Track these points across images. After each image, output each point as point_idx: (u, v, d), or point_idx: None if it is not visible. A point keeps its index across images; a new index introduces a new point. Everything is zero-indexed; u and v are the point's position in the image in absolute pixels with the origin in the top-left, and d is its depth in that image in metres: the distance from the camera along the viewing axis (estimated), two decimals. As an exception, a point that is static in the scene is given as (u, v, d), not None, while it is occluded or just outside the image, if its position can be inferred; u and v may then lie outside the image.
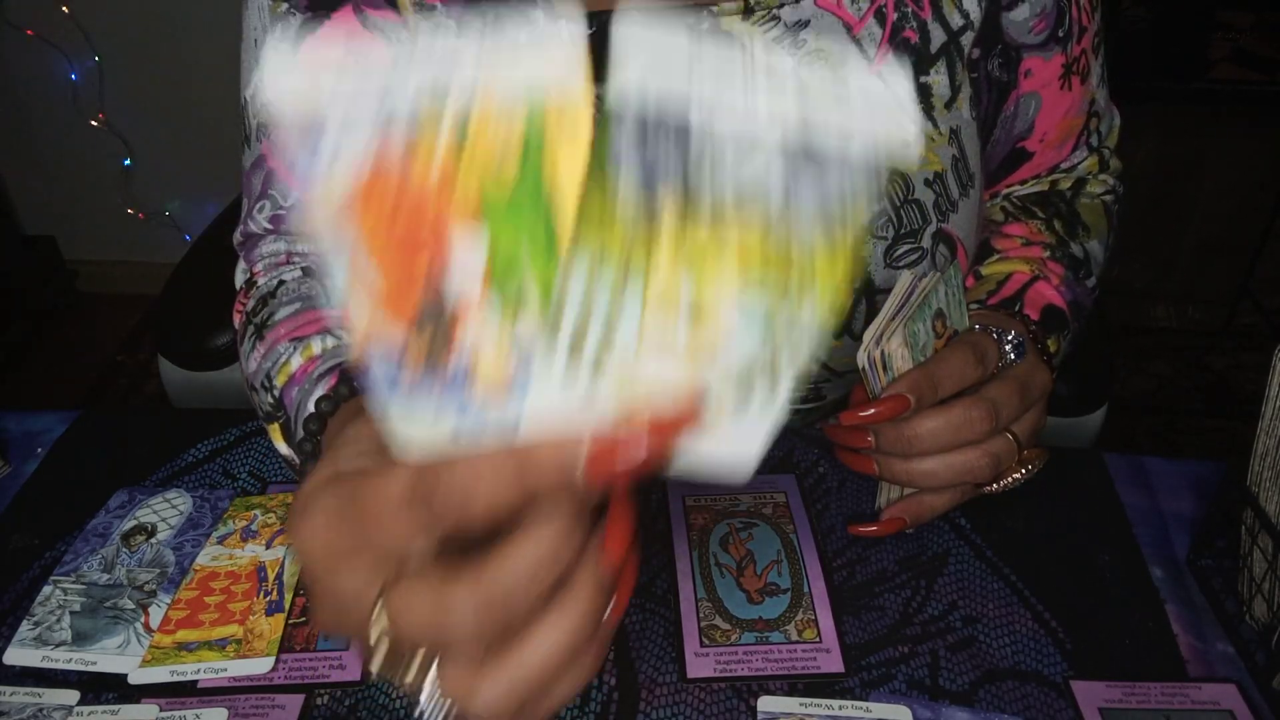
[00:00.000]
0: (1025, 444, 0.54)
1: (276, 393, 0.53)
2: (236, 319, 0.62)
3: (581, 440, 0.25)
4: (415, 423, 0.26)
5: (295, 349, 0.54)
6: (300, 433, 0.47)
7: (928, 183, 0.61)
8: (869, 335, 0.50)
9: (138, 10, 1.95)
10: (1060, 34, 0.64)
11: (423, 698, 0.29)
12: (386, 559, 0.28)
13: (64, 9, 1.94)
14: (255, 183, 0.62)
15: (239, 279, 0.64)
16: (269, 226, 0.62)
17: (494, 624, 0.27)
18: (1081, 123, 0.71)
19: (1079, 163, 0.74)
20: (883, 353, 0.50)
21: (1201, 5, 1.89)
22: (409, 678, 0.29)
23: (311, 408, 0.47)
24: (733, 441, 0.27)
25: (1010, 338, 0.56)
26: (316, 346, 0.53)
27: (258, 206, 0.63)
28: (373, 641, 0.29)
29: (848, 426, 0.52)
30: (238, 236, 0.65)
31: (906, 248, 0.61)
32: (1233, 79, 1.84)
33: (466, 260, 0.24)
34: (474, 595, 0.27)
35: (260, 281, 0.61)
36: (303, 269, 0.61)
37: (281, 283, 0.60)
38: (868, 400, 0.51)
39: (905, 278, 0.53)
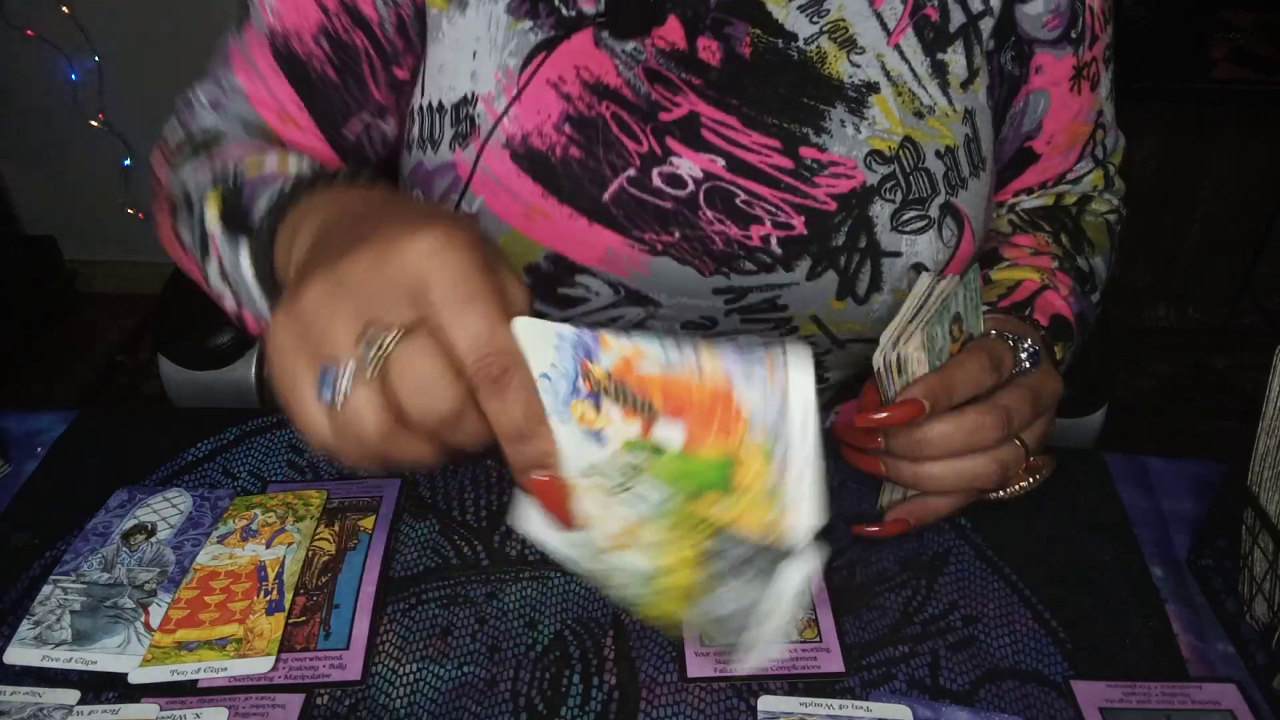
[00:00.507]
0: (1033, 451, 0.54)
1: (240, 180, 0.51)
2: (157, 160, 0.62)
3: (562, 489, 0.38)
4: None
5: (268, 152, 0.53)
6: (266, 202, 0.46)
7: (939, 154, 0.61)
8: (886, 337, 0.50)
9: (138, 10, 1.95)
10: (1073, 35, 0.65)
11: (334, 375, 0.35)
12: (408, 321, 0.34)
13: (64, 9, 1.94)
14: (215, 65, 0.65)
15: (168, 131, 0.64)
16: (206, 102, 0.64)
17: (452, 412, 0.34)
18: (1088, 131, 0.71)
19: (1084, 174, 0.74)
20: (899, 355, 0.50)
21: (1201, 5, 1.89)
22: (336, 375, 0.34)
23: (307, 170, 0.48)
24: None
25: (1026, 345, 0.55)
26: (293, 164, 0.51)
27: (205, 86, 0.65)
28: (345, 357, 0.34)
29: (860, 428, 0.52)
30: (178, 102, 0.66)
31: (914, 214, 0.61)
32: (1233, 79, 1.84)
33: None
34: (460, 386, 0.34)
35: (195, 130, 0.62)
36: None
37: (222, 133, 0.61)
38: (879, 403, 0.51)
39: (924, 280, 0.52)
